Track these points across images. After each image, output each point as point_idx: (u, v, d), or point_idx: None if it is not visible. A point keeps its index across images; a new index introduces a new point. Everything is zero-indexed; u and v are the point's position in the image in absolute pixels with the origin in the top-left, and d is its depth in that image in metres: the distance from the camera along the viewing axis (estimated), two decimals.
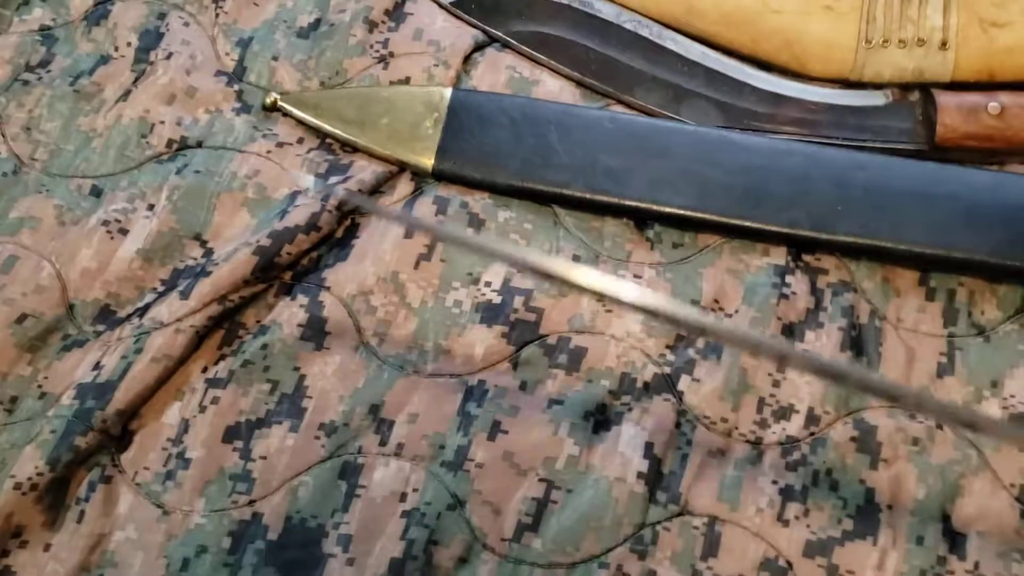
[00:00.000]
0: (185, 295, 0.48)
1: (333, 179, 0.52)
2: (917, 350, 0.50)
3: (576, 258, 0.52)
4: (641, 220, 0.53)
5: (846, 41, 0.57)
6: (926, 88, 0.57)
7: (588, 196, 0.53)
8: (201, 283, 0.48)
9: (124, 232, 0.50)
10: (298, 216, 0.50)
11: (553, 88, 0.57)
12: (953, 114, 0.55)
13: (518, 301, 0.50)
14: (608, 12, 0.59)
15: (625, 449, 0.47)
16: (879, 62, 0.57)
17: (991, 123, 0.55)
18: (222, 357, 0.48)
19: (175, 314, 0.47)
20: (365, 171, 0.53)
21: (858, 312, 0.51)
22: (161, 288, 0.49)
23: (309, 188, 0.51)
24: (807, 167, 0.53)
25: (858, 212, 0.52)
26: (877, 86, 0.58)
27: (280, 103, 0.54)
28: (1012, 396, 0.49)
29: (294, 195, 0.52)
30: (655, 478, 0.46)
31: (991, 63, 0.57)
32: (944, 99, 0.56)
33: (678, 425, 0.48)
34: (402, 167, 0.54)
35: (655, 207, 0.52)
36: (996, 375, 0.50)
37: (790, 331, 0.50)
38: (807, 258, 0.53)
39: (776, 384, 0.49)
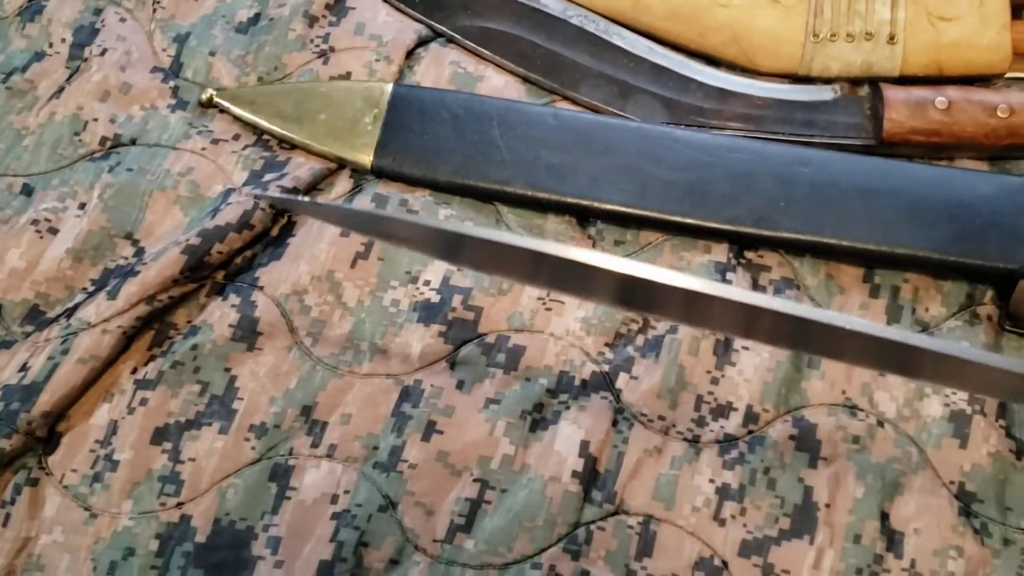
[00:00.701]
0: (113, 295, 0.47)
1: (269, 176, 0.51)
2: None
3: None
4: (583, 217, 0.53)
5: (793, 35, 0.57)
6: (875, 83, 0.57)
7: (530, 193, 0.52)
8: (129, 283, 0.47)
9: (54, 231, 0.49)
10: (230, 214, 0.49)
11: (498, 84, 0.56)
12: (900, 109, 0.55)
13: (456, 300, 0.49)
14: (554, 7, 0.58)
15: (561, 448, 0.46)
16: (827, 56, 0.57)
17: (938, 118, 0.55)
18: (152, 358, 0.47)
19: (102, 314, 0.46)
20: (302, 168, 0.52)
21: None
22: (91, 288, 0.49)
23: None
24: (751, 163, 0.53)
25: (801, 208, 0.52)
26: (825, 81, 0.57)
27: (216, 99, 0.53)
28: (954, 393, 0.49)
29: (228, 192, 0.51)
30: (590, 477, 0.46)
31: (939, 57, 0.56)
32: (892, 94, 0.55)
33: (615, 423, 0.47)
34: (341, 164, 0.53)
35: (596, 204, 0.52)
36: None
37: None
38: (749, 255, 0.52)
39: (715, 382, 0.48)
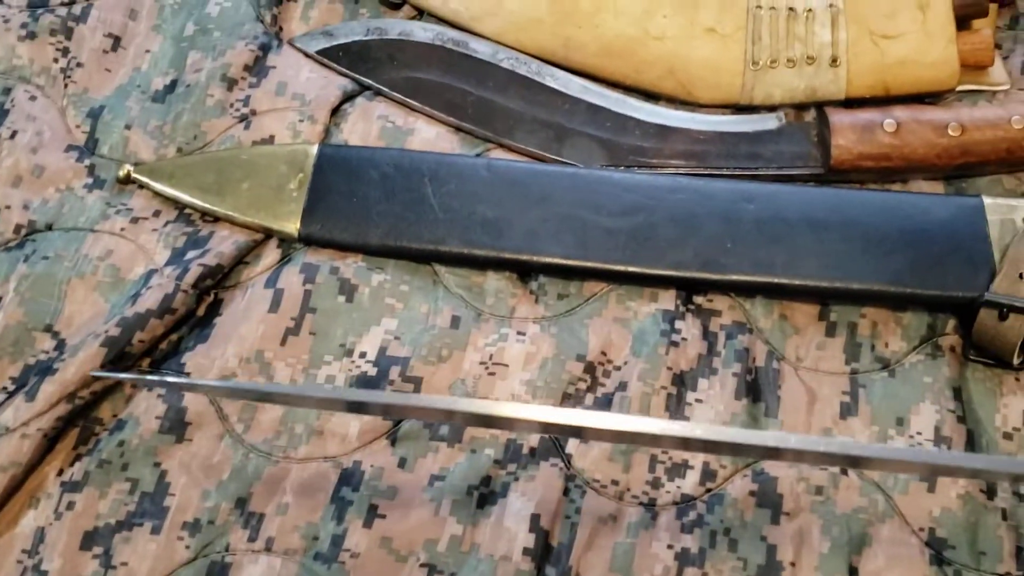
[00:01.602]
0: (31, 396, 0.45)
1: (191, 254, 0.49)
2: (818, 391, 0.48)
3: (456, 319, 0.49)
4: (524, 272, 0.51)
5: (732, 64, 0.55)
6: (821, 107, 0.55)
7: (466, 251, 0.50)
8: (47, 382, 0.45)
9: None
10: (150, 299, 0.47)
11: (429, 136, 0.54)
12: (847, 134, 0.53)
13: (394, 372, 0.47)
14: (484, 51, 0.56)
15: (511, 524, 0.44)
16: (769, 83, 0.55)
17: (887, 141, 0.53)
18: (78, 457, 0.45)
19: (20, 418, 0.44)
20: (226, 242, 0.50)
21: (754, 354, 0.49)
22: (12, 387, 0.46)
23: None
24: (694, 204, 0.51)
25: (749, 248, 0.50)
26: (769, 109, 0.56)
27: (134, 175, 0.51)
28: (919, 433, 0.46)
29: (149, 274, 0.49)
30: (543, 552, 0.44)
31: (885, 77, 0.54)
32: (838, 119, 0.53)
33: (566, 492, 0.45)
34: (268, 234, 0.51)
35: (536, 258, 0.50)
36: (902, 411, 0.47)
37: (681, 381, 0.47)
38: (698, 300, 0.50)
39: None
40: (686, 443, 0.36)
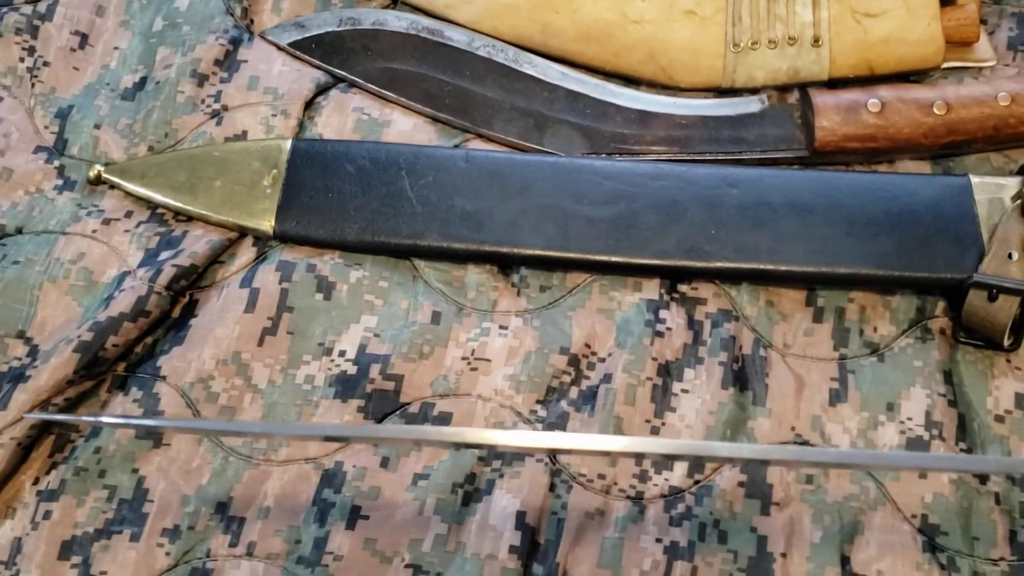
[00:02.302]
0: (3, 405, 0.44)
1: (165, 254, 0.48)
2: (806, 378, 0.47)
3: (437, 314, 0.48)
4: (505, 264, 0.50)
5: (712, 47, 0.54)
6: (804, 89, 0.54)
7: (445, 245, 0.49)
8: (20, 390, 0.44)
9: None
10: (123, 302, 0.46)
11: (406, 127, 0.53)
12: (831, 115, 0.52)
13: (375, 370, 0.46)
14: (460, 39, 0.55)
15: (496, 522, 0.43)
16: (750, 65, 0.54)
17: (872, 121, 0.52)
18: (53, 465, 0.44)
19: None
20: (199, 242, 0.49)
21: (741, 342, 0.48)
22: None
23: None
24: (677, 191, 0.50)
25: (734, 234, 0.49)
26: (752, 91, 0.54)
27: (105, 175, 0.50)
28: (909, 419, 0.46)
29: (122, 277, 0.48)
30: (530, 550, 0.43)
31: (868, 56, 0.53)
32: (821, 100, 0.52)
33: (552, 487, 0.44)
34: (242, 232, 0.50)
35: (517, 250, 0.49)
36: (892, 396, 0.46)
37: (667, 371, 0.47)
38: (683, 288, 0.49)
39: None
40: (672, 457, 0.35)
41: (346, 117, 0.53)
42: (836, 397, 0.47)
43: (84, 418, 0.44)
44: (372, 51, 0.54)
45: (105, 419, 0.43)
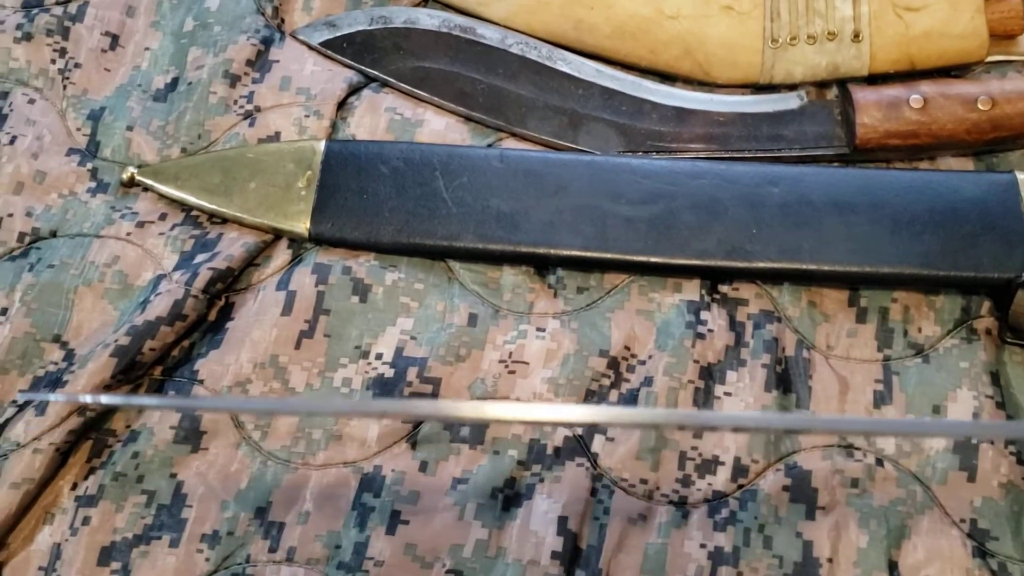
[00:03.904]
0: (41, 410, 0.43)
1: (200, 257, 0.48)
2: (850, 379, 0.46)
3: (473, 316, 0.47)
4: (541, 265, 0.49)
5: (751, 42, 0.53)
6: (843, 84, 0.53)
7: (481, 246, 0.48)
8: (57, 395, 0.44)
9: None
10: (160, 306, 0.45)
11: (439, 127, 0.53)
12: (872, 112, 0.51)
13: (412, 373, 0.46)
14: (492, 37, 0.54)
15: (537, 527, 0.43)
16: (789, 61, 0.53)
17: (914, 118, 0.51)
18: (91, 471, 0.44)
19: (32, 433, 0.43)
20: (235, 244, 0.48)
21: (783, 344, 0.47)
22: (22, 400, 0.45)
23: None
24: (716, 189, 0.49)
25: (775, 233, 0.48)
26: (790, 87, 0.54)
27: (138, 177, 0.49)
28: None
29: (158, 280, 0.47)
30: (572, 556, 0.42)
31: (910, 50, 0.52)
32: (862, 96, 0.51)
33: (594, 492, 0.44)
34: (277, 234, 0.49)
35: (554, 251, 0.48)
36: (938, 399, 0.46)
37: (709, 374, 0.46)
38: (724, 289, 0.48)
39: (698, 435, 0.45)
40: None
41: (379, 117, 0.52)
42: (881, 399, 0.46)
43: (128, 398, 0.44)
44: (404, 50, 0.54)
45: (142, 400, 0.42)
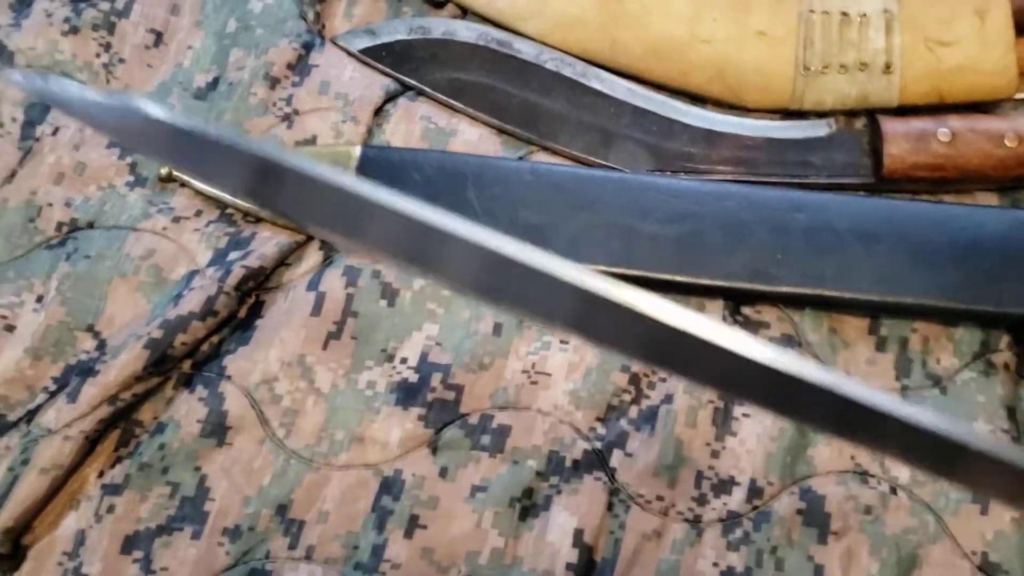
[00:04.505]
0: (73, 398, 0.44)
1: (233, 255, 0.49)
2: None
3: (498, 326, 0.48)
4: None
5: (783, 68, 0.53)
6: (872, 115, 0.54)
7: None
8: (89, 384, 0.44)
9: (11, 329, 0.47)
10: (193, 301, 0.46)
11: (472, 137, 0.53)
12: (901, 143, 0.52)
13: (436, 379, 0.47)
14: (528, 52, 0.55)
15: (554, 538, 0.43)
16: (820, 89, 0.53)
17: (942, 151, 0.51)
18: (118, 459, 0.45)
19: (62, 420, 0.44)
20: (268, 243, 0.49)
21: None
22: (53, 387, 0.46)
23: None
24: (743, 212, 0.49)
25: (799, 259, 0.49)
26: (819, 115, 0.54)
27: (176, 173, 0.50)
28: None
29: (191, 275, 0.48)
30: (586, 568, 0.43)
31: (939, 84, 0.53)
32: (890, 127, 0.52)
33: (610, 506, 0.44)
34: (309, 235, 0.50)
35: (581, 265, 0.49)
36: None
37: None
38: (746, 311, 0.49)
39: (715, 455, 0.45)
40: None
41: (413, 125, 0.53)
42: None
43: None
44: (441, 60, 0.55)
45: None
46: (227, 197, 0.50)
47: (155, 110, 0.26)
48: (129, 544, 0.44)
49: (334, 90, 0.53)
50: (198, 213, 0.50)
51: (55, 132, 0.51)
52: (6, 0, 0.55)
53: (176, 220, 0.50)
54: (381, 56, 0.55)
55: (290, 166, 0.26)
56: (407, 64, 0.55)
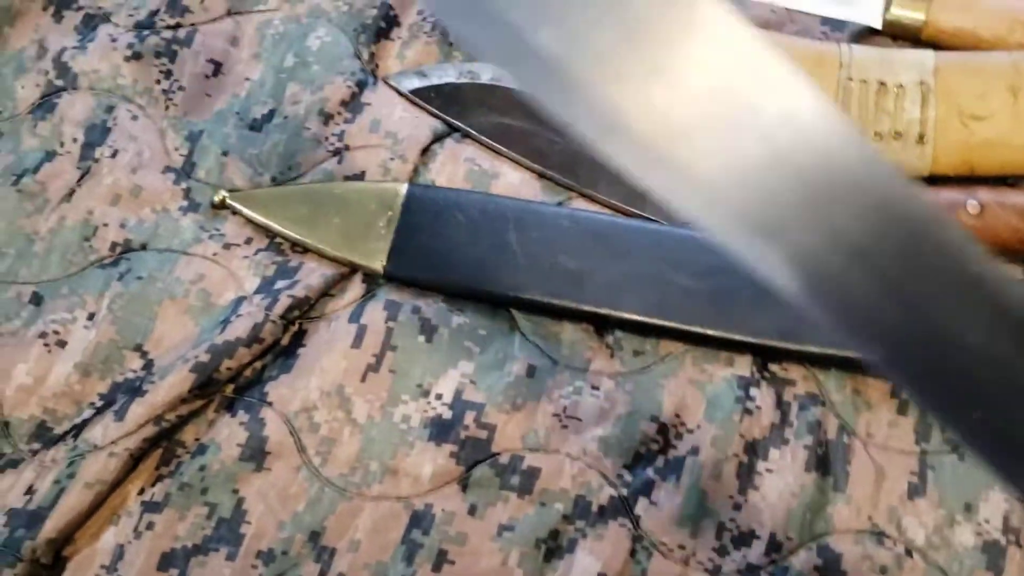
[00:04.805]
0: (120, 416, 0.46)
1: (280, 283, 0.50)
2: (887, 468, 0.48)
3: (532, 368, 0.50)
4: (602, 325, 0.51)
5: None
6: None
7: (546, 300, 0.51)
8: (137, 403, 0.46)
9: (62, 344, 0.49)
10: (240, 328, 0.48)
11: (514, 181, 0.55)
12: None
13: (469, 417, 0.48)
14: None
15: None
16: None
17: (970, 223, 0.53)
18: (159, 478, 0.46)
19: (109, 436, 0.45)
20: (314, 274, 0.51)
21: (826, 427, 0.49)
22: (99, 403, 0.48)
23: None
24: None
25: None
26: None
27: (228, 201, 0.52)
28: (987, 521, 0.47)
29: (239, 301, 0.50)
30: None
31: (971, 157, 0.55)
32: None
33: (633, 553, 0.46)
34: (353, 268, 0.52)
35: (614, 313, 0.50)
36: (970, 497, 0.47)
37: (753, 449, 0.48)
38: (774, 368, 0.50)
39: (737, 507, 0.47)
40: None
41: (458, 166, 0.55)
42: (915, 491, 0.48)
43: None
44: (488, 105, 0.56)
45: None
46: (277, 227, 0.52)
47: None
48: (166, 561, 0.45)
49: (384, 128, 0.55)
50: (248, 241, 0.52)
51: (114, 155, 0.53)
52: (72, 23, 0.58)
53: (226, 247, 0.52)
54: (430, 98, 0.57)
55: None
56: (455, 106, 0.57)
